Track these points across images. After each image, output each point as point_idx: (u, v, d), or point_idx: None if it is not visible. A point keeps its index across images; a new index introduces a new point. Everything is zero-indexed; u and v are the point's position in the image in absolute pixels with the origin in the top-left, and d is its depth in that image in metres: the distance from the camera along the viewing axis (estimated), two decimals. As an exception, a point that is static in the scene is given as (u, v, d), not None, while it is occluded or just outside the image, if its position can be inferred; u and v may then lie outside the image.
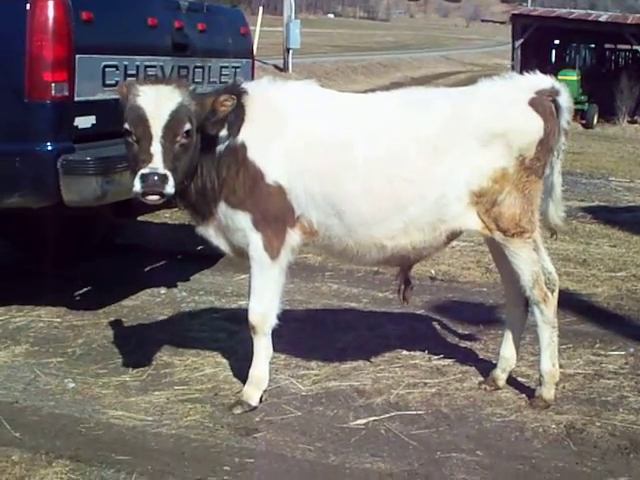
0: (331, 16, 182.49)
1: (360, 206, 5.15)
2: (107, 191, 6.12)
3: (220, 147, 5.15)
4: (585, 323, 7.12)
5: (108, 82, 6.34)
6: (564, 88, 5.35)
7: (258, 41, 38.27)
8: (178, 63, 7.15)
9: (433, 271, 8.52)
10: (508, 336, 5.74)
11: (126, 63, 6.52)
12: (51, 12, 5.86)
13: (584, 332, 6.88)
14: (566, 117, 5.32)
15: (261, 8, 41.87)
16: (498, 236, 5.24)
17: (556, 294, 5.40)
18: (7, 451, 4.80)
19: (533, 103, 5.21)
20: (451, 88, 5.85)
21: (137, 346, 6.17)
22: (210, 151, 5.12)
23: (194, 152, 4.98)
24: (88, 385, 5.69)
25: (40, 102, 5.94)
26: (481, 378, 5.85)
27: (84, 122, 6.24)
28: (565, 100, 5.31)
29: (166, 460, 4.75)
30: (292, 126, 5.19)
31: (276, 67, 37.66)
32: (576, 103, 25.36)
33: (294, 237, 5.27)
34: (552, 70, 25.99)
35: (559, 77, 24.77)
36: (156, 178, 4.70)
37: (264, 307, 5.31)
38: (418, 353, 6.27)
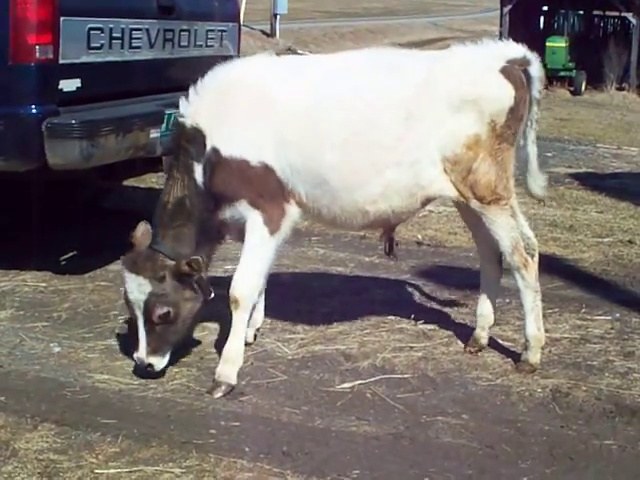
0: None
1: (340, 173, 5.16)
2: (92, 154, 6.09)
3: (199, 179, 5.24)
4: (571, 288, 7.15)
5: (93, 45, 6.31)
6: (535, 58, 5.36)
7: (245, 6, 38.10)
8: (164, 26, 7.10)
9: (420, 236, 8.53)
10: (484, 294, 5.78)
11: (111, 26, 6.47)
12: (34, -26, 5.81)
13: (570, 297, 6.91)
14: (537, 87, 5.36)
15: (248, -26, 41.61)
16: (475, 204, 5.25)
17: (536, 259, 5.40)
18: (-8, 415, 4.80)
19: (504, 71, 5.22)
20: (423, 51, 5.81)
21: (123, 310, 6.14)
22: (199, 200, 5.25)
23: (185, 314, 5.24)
24: (74, 349, 5.69)
25: (24, 65, 5.91)
26: (465, 342, 5.86)
27: (69, 85, 6.19)
28: (536, 70, 5.34)
29: (152, 423, 4.76)
30: (261, 104, 5.19)
31: (263, 32, 37.49)
32: (564, 70, 25.40)
33: (293, 210, 5.26)
34: (540, 36, 26.00)
35: (547, 44, 24.79)
36: (144, 366, 5.18)
37: (251, 281, 5.23)
38: (404, 318, 6.28)
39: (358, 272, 7.43)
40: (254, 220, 5.19)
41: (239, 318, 5.24)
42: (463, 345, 5.83)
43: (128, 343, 5.61)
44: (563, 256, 8.06)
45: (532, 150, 5.50)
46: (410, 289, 6.99)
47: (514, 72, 5.25)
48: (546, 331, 5.60)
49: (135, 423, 4.76)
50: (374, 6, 67.52)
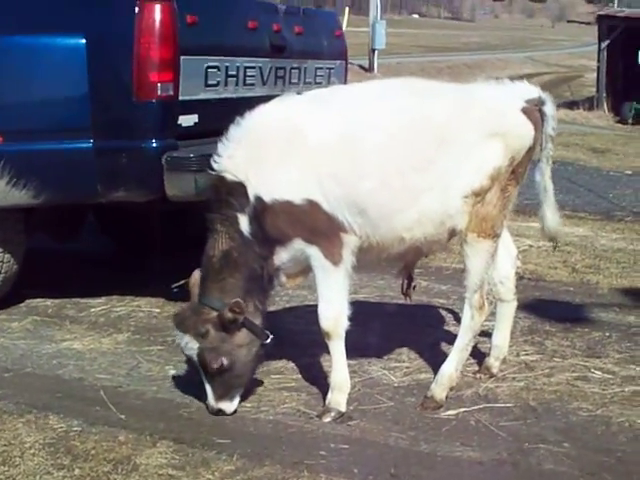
0: (416, 16, 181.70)
1: (378, 199, 5.19)
2: (206, 187, 6.35)
3: (245, 230, 5.26)
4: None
5: (210, 82, 6.58)
6: (548, 97, 5.45)
7: (344, 41, 38.54)
8: (275, 64, 7.37)
9: (520, 270, 8.62)
10: (499, 325, 5.93)
11: (227, 64, 6.75)
12: (158, 15, 6.11)
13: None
14: (552, 124, 5.43)
15: (347, 9, 42.12)
16: (471, 237, 5.30)
17: (492, 307, 5.59)
18: (114, 432, 5.06)
19: (526, 111, 5.33)
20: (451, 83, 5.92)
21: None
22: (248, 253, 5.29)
23: (241, 359, 5.30)
24: (189, 372, 5.92)
25: (147, 101, 6.20)
26: (569, 374, 5.99)
27: (187, 120, 6.49)
28: (550, 108, 5.43)
29: (264, 444, 4.97)
30: (293, 141, 5.20)
31: (361, 67, 37.86)
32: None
33: (349, 238, 5.27)
34: (638, 71, 25.84)
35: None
36: (214, 412, 5.31)
37: (335, 311, 5.33)
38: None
39: (460, 304, 7.54)
40: (315, 256, 5.24)
41: (335, 348, 5.37)
42: (564, 377, 5.94)
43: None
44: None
45: (549, 186, 5.59)
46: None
47: (534, 112, 5.36)
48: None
49: (249, 443, 4.97)
50: (472, 41, 67.64)
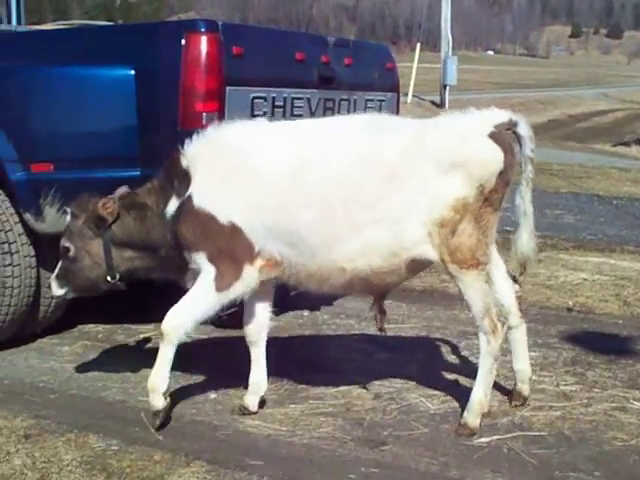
0: (490, 53, 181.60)
1: (317, 231, 5.27)
2: None
3: (170, 210, 5.54)
4: None
5: (256, 113, 6.69)
6: (521, 118, 5.35)
7: (415, 77, 38.71)
8: (324, 96, 7.46)
9: (571, 302, 8.62)
10: (515, 352, 5.95)
11: (274, 95, 6.86)
12: (204, 47, 6.25)
13: None
14: (529, 145, 5.33)
15: (419, 45, 42.25)
16: (452, 268, 5.26)
17: (506, 327, 5.54)
18: (150, 451, 5.19)
19: (493, 136, 5.22)
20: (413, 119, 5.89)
21: (276, 362, 6.47)
22: (156, 223, 5.61)
23: (85, 265, 5.72)
24: (229, 396, 6.05)
25: (192, 131, 6.32)
26: (607, 404, 5.96)
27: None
28: (524, 129, 5.33)
29: (296, 466, 5.05)
30: (239, 168, 5.39)
31: (433, 103, 37.98)
32: None
33: (252, 274, 5.41)
34: None
35: None
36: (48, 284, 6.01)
37: (180, 321, 5.42)
38: (546, 379, 6.42)
39: (507, 335, 7.55)
40: (207, 273, 5.37)
41: (163, 351, 5.50)
42: (602, 407, 5.92)
43: (280, 392, 5.97)
44: None
45: (529, 210, 5.45)
46: (555, 353, 7.09)
47: (502, 136, 5.25)
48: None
49: (280, 466, 5.05)
50: (545, 77, 67.36)
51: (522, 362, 5.95)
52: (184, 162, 5.49)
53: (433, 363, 6.74)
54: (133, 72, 6.36)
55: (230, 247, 5.36)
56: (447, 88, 38.36)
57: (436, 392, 6.16)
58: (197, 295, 5.43)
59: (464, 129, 5.33)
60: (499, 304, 5.52)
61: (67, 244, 5.71)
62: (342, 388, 6.19)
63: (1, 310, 6.69)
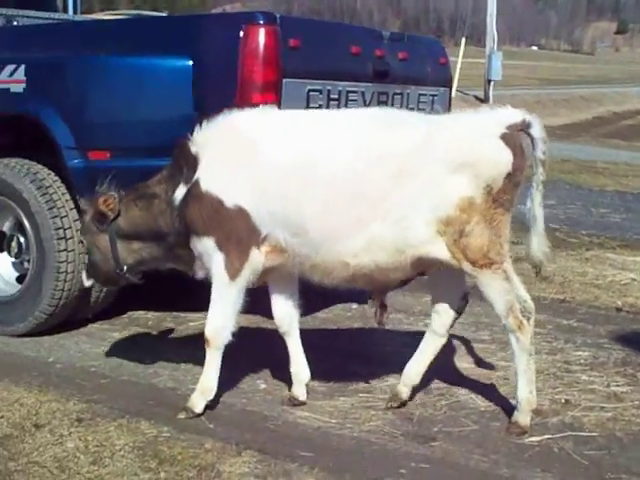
0: (535, 48, 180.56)
1: (322, 224, 5.26)
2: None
3: (178, 196, 5.59)
4: None
5: (312, 105, 6.70)
6: (535, 119, 5.28)
7: (460, 72, 38.49)
8: (378, 89, 7.45)
9: (620, 302, 8.58)
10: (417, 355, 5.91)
11: (329, 88, 6.86)
12: (262, 39, 6.26)
13: None
14: (541, 147, 5.25)
15: (463, 39, 42.03)
16: (467, 267, 5.23)
17: (532, 322, 5.42)
18: (201, 439, 5.23)
19: (504, 137, 5.16)
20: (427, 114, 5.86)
21: (326, 355, 6.50)
22: (164, 209, 5.68)
23: (97, 257, 5.90)
24: (279, 387, 6.08)
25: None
26: (657, 407, 5.95)
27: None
28: (538, 131, 5.25)
29: (346, 459, 5.07)
30: (251, 152, 5.40)
31: (477, 98, 37.74)
32: None
33: (257, 258, 5.42)
34: None
35: None
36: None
37: (219, 322, 5.48)
38: (597, 379, 6.39)
39: (555, 334, 7.55)
40: (217, 264, 5.41)
41: (211, 357, 5.58)
42: (654, 409, 5.90)
43: (329, 384, 6.01)
44: None
45: (539, 212, 5.37)
46: (605, 353, 7.05)
47: (514, 138, 5.18)
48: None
49: (330, 457, 5.07)
50: (590, 74, 66.81)
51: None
52: (193, 148, 5.53)
53: (481, 360, 6.73)
54: (191, 62, 6.38)
55: (237, 231, 5.36)
56: (492, 83, 38.13)
57: (485, 389, 6.15)
58: (219, 292, 5.49)
59: (475, 129, 5.29)
60: (522, 300, 5.44)
61: (82, 239, 6.15)
62: (391, 381, 6.19)
63: (55, 294, 6.77)
